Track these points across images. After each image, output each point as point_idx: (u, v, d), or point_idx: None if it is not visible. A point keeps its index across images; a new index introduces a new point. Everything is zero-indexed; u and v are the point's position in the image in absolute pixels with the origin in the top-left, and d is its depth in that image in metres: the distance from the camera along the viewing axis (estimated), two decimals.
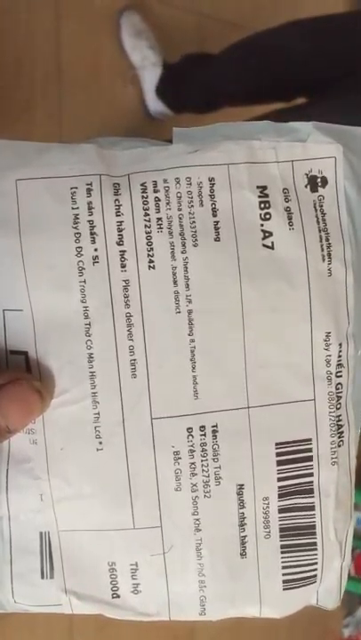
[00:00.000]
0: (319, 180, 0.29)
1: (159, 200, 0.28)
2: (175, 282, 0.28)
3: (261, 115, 0.95)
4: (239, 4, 1.36)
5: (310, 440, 0.30)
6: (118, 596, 0.30)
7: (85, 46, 1.20)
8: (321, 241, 0.29)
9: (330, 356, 0.30)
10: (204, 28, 1.33)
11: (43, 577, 0.30)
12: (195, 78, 1.13)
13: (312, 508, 0.31)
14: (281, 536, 0.31)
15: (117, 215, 0.28)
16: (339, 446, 0.30)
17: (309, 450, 0.30)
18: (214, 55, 1.09)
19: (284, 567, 0.31)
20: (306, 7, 1.36)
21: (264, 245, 0.29)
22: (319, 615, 0.33)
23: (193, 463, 0.29)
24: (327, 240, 0.29)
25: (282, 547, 0.31)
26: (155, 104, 1.22)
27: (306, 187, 0.29)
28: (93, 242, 0.28)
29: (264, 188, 0.29)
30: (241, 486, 0.30)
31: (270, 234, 0.29)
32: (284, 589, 0.31)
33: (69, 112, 1.15)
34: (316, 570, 0.31)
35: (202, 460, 0.29)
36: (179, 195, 0.28)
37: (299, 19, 0.97)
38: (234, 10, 1.35)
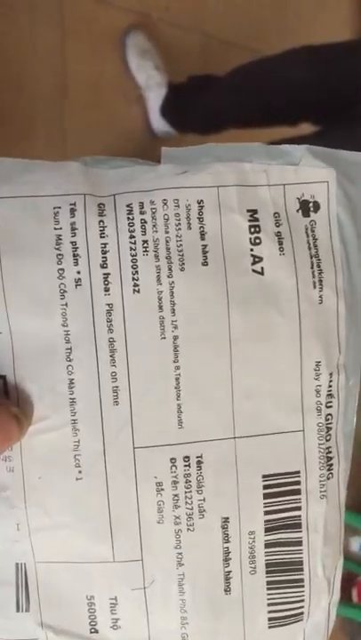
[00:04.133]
0: (311, 204, 0.29)
1: (145, 222, 0.27)
2: (161, 307, 0.27)
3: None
4: (244, 26, 1.36)
5: (299, 473, 0.29)
6: (97, 631, 0.29)
7: (90, 66, 1.19)
8: (312, 267, 0.28)
9: (320, 386, 0.29)
10: (209, 49, 1.33)
11: (18, 610, 0.29)
12: (199, 100, 1.13)
13: (299, 543, 0.30)
14: (267, 572, 0.29)
15: (102, 237, 0.27)
16: (328, 479, 0.29)
17: (298, 483, 0.29)
18: (218, 77, 1.09)
19: (269, 604, 0.30)
20: (310, 29, 1.38)
21: (253, 271, 0.28)
22: None
23: (176, 495, 0.28)
24: (318, 267, 0.28)
25: (268, 583, 0.29)
26: (159, 123, 1.22)
27: (298, 211, 0.29)
28: (76, 264, 0.27)
29: (254, 211, 0.28)
30: (226, 519, 0.29)
31: (260, 259, 0.28)
32: (269, 627, 0.30)
33: (73, 131, 1.14)
34: (303, 607, 0.30)
35: (185, 492, 0.28)
36: (166, 217, 0.27)
37: (302, 45, 0.97)
38: (238, 31, 1.35)
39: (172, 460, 0.28)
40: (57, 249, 0.27)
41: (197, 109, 1.14)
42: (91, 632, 0.29)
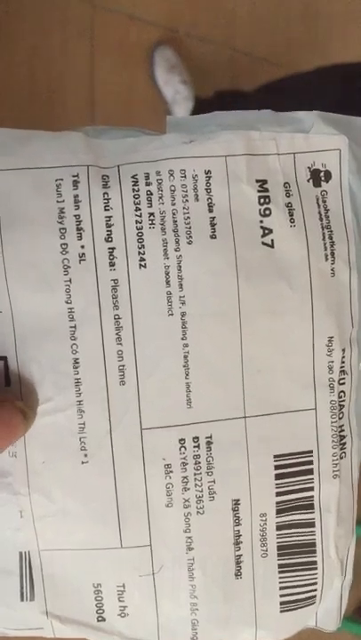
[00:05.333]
0: (322, 174, 0.27)
1: (151, 194, 0.26)
2: (168, 282, 0.26)
3: None
4: (273, 41, 1.35)
5: (311, 452, 0.28)
6: (104, 619, 0.28)
7: (119, 79, 1.21)
8: (324, 239, 0.27)
9: (332, 362, 0.28)
10: (237, 64, 1.32)
11: (22, 599, 0.28)
12: None
13: (312, 524, 0.29)
14: (279, 555, 0.29)
15: (106, 210, 0.26)
16: (341, 458, 0.29)
17: (310, 462, 0.28)
18: (246, 93, 1.08)
19: (281, 588, 0.29)
20: (340, 43, 1.37)
21: (263, 243, 0.27)
22: None
23: (185, 477, 0.27)
24: (330, 238, 0.27)
25: (280, 566, 0.29)
26: None
27: (308, 181, 0.27)
28: (80, 238, 0.26)
29: (264, 181, 0.27)
30: (237, 502, 0.28)
31: (270, 231, 0.27)
32: (281, 611, 0.29)
33: None
34: (315, 590, 0.29)
35: (195, 474, 0.27)
36: (172, 188, 0.26)
37: (333, 64, 0.95)
38: (267, 46, 1.34)
39: (181, 440, 0.27)
40: (60, 222, 0.25)
41: None
42: (98, 620, 0.28)
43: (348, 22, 1.41)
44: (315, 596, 0.29)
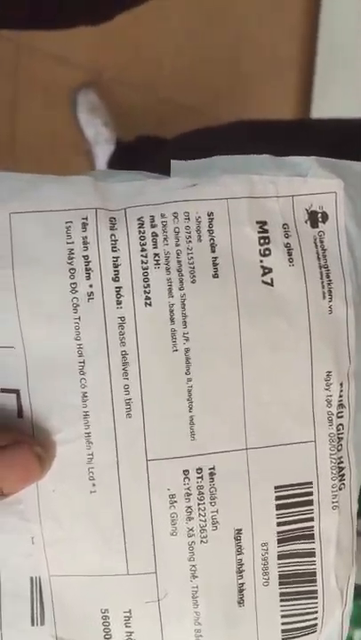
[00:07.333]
0: (320, 215, 0.29)
1: (157, 235, 0.27)
2: (172, 319, 0.27)
3: None
4: (196, 90, 1.40)
5: (311, 483, 0.29)
6: None
7: (42, 120, 1.25)
8: (322, 278, 0.29)
9: (331, 396, 0.29)
10: (161, 110, 1.36)
11: (33, 624, 0.29)
12: (144, 160, 1.14)
13: (312, 554, 0.30)
14: (280, 583, 0.29)
15: (113, 251, 0.27)
16: (340, 489, 0.29)
17: (310, 493, 0.29)
18: (166, 140, 1.10)
19: (283, 616, 0.30)
20: (260, 96, 1.43)
21: (263, 282, 0.28)
22: None
23: (189, 507, 0.28)
24: (328, 277, 0.29)
25: (281, 594, 0.29)
26: None
27: (306, 222, 0.29)
28: (88, 278, 0.27)
29: (264, 223, 0.28)
30: (239, 531, 0.29)
31: (270, 270, 0.28)
32: (283, 639, 0.30)
33: None
34: (316, 619, 0.30)
35: (199, 504, 0.28)
36: (177, 230, 0.28)
37: (244, 120, 0.98)
38: (190, 95, 1.39)
39: (185, 472, 0.28)
40: (69, 263, 0.27)
41: (142, 168, 1.16)
42: None
43: (267, 75, 1.46)
44: (316, 625, 0.30)
